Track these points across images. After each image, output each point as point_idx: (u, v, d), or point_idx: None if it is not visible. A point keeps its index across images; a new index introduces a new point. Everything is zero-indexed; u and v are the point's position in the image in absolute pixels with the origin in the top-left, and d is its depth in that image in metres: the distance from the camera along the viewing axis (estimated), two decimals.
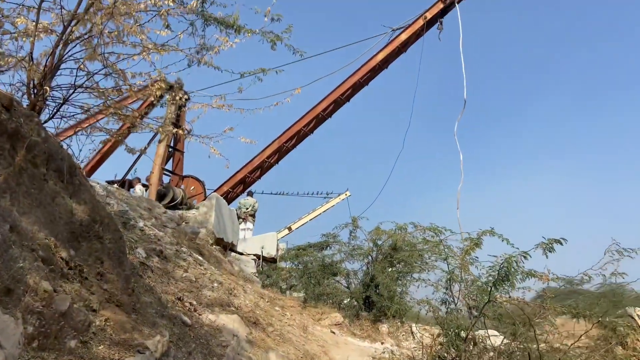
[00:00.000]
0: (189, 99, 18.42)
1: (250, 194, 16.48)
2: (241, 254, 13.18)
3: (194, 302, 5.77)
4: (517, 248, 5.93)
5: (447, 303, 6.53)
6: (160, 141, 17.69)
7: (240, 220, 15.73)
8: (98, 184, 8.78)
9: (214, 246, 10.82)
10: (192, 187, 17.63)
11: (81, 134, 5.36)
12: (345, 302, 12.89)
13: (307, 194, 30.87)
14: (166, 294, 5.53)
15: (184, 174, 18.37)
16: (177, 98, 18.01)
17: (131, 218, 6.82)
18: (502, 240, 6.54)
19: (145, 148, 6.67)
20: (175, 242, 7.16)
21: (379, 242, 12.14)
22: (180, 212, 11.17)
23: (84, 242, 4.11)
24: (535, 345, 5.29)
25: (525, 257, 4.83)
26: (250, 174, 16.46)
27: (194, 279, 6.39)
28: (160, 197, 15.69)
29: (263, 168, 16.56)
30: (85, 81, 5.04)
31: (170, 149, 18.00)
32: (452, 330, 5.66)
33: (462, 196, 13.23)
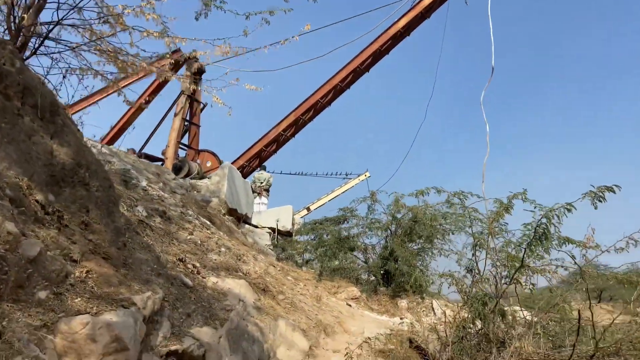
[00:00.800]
0: (204, 70, 18.03)
1: (264, 168, 16.04)
2: (256, 226, 12.79)
3: (197, 265, 5.34)
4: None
5: (473, 272, 5.97)
6: (175, 114, 17.37)
7: (255, 194, 15.34)
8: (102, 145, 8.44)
9: (227, 216, 10.42)
10: (208, 162, 17.28)
11: (70, 74, 4.90)
12: (362, 277, 12.47)
13: (326, 174, 30.50)
14: (167, 254, 5.11)
15: (200, 148, 18.01)
16: (192, 70, 17.70)
17: (133, 177, 6.41)
18: (535, 207, 5.94)
19: (147, 101, 6.17)
20: (182, 205, 6.75)
21: (398, 216, 11.60)
22: (192, 181, 10.79)
23: (67, 187, 3.68)
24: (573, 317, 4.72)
25: (568, 209, 4.23)
26: (266, 148, 16.00)
27: (199, 242, 5.97)
28: (176, 170, 15.38)
29: (279, 141, 16.08)
30: (70, 12, 4.56)
31: (186, 123, 17.63)
32: (478, 300, 5.13)
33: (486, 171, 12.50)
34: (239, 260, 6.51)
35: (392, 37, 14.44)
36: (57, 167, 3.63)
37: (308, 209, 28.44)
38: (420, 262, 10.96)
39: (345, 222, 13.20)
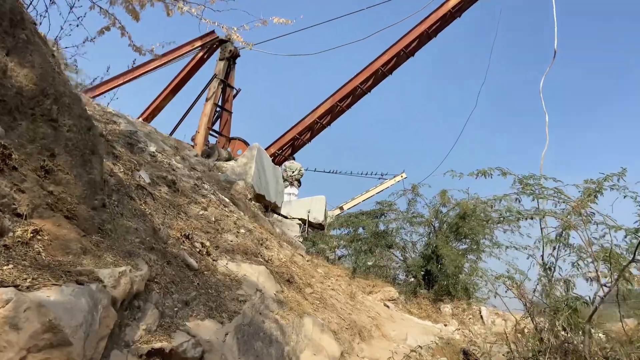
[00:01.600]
0: (239, 55, 17.21)
1: (294, 159, 15.02)
2: (285, 217, 11.79)
3: (208, 244, 4.34)
4: None
5: (551, 271, 4.74)
6: (207, 99, 16.60)
7: (287, 183, 14.35)
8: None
9: (253, 202, 9.45)
10: (239, 150, 16.42)
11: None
12: (400, 277, 11.29)
13: (361, 174, 29.38)
14: (169, 228, 4.13)
15: (231, 135, 17.18)
16: (228, 52, 16.91)
17: (140, 141, 5.49)
18: (625, 197, 4.69)
19: (155, 52, 5.23)
20: (196, 177, 5.80)
21: (443, 210, 10.38)
22: (216, 162, 9.89)
23: (24, 120, 2.72)
24: None
25: None
26: (300, 136, 15.00)
27: (213, 220, 4.98)
28: (205, 157, 14.61)
29: (314, 130, 15.05)
30: None
31: (217, 109, 16.82)
32: (565, 305, 3.93)
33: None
34: (261, 245, 5.49)
35: (441, 18, 13.19)
36: (11, 92, 2.68)
37: (341, 208, 27.39)
38: (467, 264, 9.71)
39: (383, 216, 12.05)
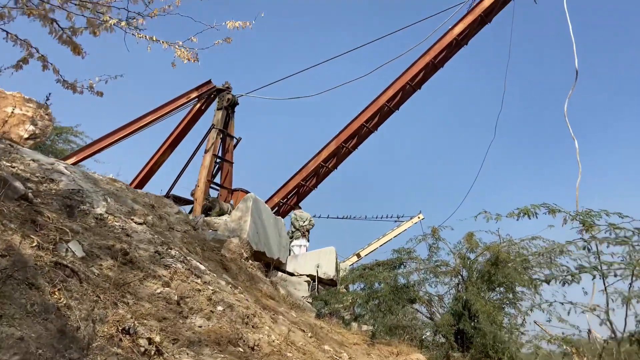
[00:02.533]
0: (237, 103, 16.44)
1: (300, 208, 13.80)
2: (291, 274, 10.48)
3: (158, 339, 3.09)
4: None
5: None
6: (206, 151, 15.70)
7: (298, 234, 13.07)
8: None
9: (250, 261, 8.21)
10: None
11: None
12: (427, 337, 9.77)
13: (377, 217, 28.18)
14: (101, 322, 2.91)
15: (233, 187, 16.14)
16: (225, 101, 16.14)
17: (87, 201, 4.36)
18: None
19: (95, 88, 4.15)
20: (161, 243, 4.61)
21: (471, 256, 9.01)
22: (207, 218, 8.75)
23: None
24: None
25: None
26: (305, 182, 13.89)
27: (176, 299, 3.76)
28: (206, 212, 13.48)
29: (319, 174, 13.94)
30: None
31: (217, 160, 15.86)
32: None
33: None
34: (246, 324, 4.21)
35: (446, 47, 12.29)
36: None
37: (358, 255, 26.05)
38: (507, 319, 8.25)
39: (402, 266, 10.67)
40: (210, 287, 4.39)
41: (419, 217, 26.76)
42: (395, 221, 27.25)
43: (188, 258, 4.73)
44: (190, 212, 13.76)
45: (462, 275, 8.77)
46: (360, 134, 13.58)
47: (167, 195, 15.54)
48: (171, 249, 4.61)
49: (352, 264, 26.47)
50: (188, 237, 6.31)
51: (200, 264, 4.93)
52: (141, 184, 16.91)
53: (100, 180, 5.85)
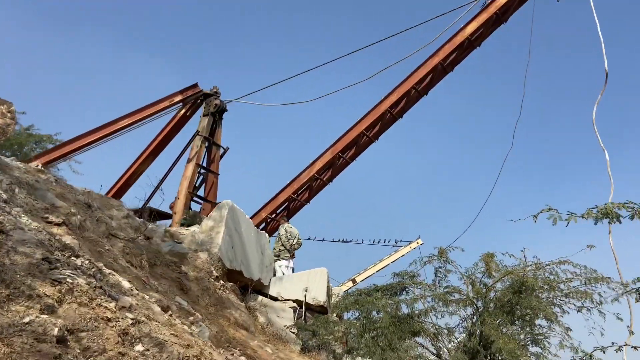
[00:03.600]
0: (225, 109, 15.13)
1: (287, 221, 12.23)
2: (275, 298, 8.98)
3: None
4: None
5: None
6: (189, 160, 14.30)
7: (286, 254, 11.55)
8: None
9: (222, 282, 6.74)
10: None
11: None
12: None
13: (374, 241, 26.88)
14: None
15: (218, 201, 14.66)
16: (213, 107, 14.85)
17: None
18: None
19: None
20: (62, 248, 3.17)
21: (487, 280, 7.54)
22: (173, 228, 7.32)
23: None
24: None
25: None
26: (296, 195, 12.48)
27: (58, 333, 2.33)
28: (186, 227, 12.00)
29: (313, 188, 12.55)
30: None
31: (201, 171, 14.43)
32: None
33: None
34: None
35: (457, 47, 11.08)
36: None
37: (354, 280, 24.58)
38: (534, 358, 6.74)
39: (404, 292, 9.19)
40: (131, 315, 2.94)
41: (417, 242, 25.49)
42: (393, 246, 25.89)
43: (105, 271, 3.29)
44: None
45: (476, 305, 7.29)
46: (359, 144, 12.24)
47: (144, 209, 14.10)
48: (78, 256, 3.17)
49: (347, 290, 25.01)
50: (133, 247, 4.86)
51: (130, 281, 3.48)
52: (118, 194, 15.45)
53: (16, 167, 4.45)
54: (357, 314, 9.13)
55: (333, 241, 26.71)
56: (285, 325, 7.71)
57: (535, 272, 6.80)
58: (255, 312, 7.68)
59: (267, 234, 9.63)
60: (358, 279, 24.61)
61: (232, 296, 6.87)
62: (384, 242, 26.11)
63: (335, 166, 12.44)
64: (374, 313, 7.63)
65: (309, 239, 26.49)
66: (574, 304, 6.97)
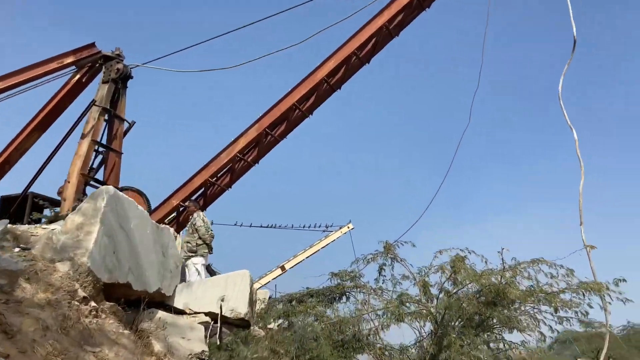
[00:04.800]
0: (130, 75, 12.61)
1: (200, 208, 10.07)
2: (182, 312, 7.00)
3: None
4: None
5: None
6: (83, 136, 11.71)
7: (204, 249, 9.52)
8: None
9: (94, 304, 4.66)
10: None
11: None
12: None
13: (304, 227, 25.61)
14: None
15: (121, 185, 12.22)
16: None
17: None
18: None
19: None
20: None
21: (450, 289, 6.05)
22: (13, 226, 5.09)
23: None
24: None
25: None
26: (214, 179, 10.44)
27: None
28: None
29: (235, 170, 10.54)
30: None
31: (99, 149, 11.89)
32: None
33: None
34: None
35: (405, 7, 9.33)
36: None
37: (282, 267, 23.22)
38: None
39: (344, 297, 7.58)
40: None
41: (348, 227, 24.71)
42: (324, 231, 24.89)
43: None
44: (57, 216, 9.77)
45: (437, 321, 5.75)
46: (290, 119, 10.36)
47: (25, 193, 11.41)
48: None
49: (276, 277, 23.38)
50: None
51: None
52: None
53: None
54: (284, 327, 7.39)
55: (261, 227, 24.98)
56: (191, 354, 5.76)
57: (513, 277, 5.36)
58: (148, 338, 5.68)
59: (171, 229, 7.55)
60: (287, 266, 23.25)
61: (110, 322, 4.84)
62: (315, 227, 24.88)
63: (261, 145, 10.50)
64: (308, 335, 5.86)
65: (235, 224, 24.57)
66: (554, 315, 5.66)
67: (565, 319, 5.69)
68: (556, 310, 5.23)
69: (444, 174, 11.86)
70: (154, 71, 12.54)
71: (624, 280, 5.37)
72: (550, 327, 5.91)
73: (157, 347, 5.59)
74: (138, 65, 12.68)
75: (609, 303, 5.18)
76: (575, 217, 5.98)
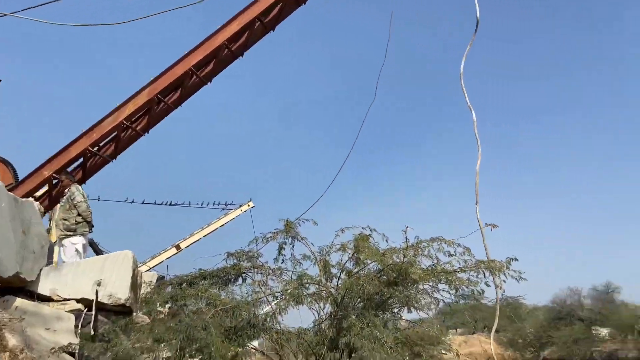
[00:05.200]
0: None
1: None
2: (49, 299, 6.02)
3: None
4: None
5: None
6: None
7: (84, 227, 8.41)
8: None
9: None
10: None
11: None
12: None
13: (202, 204, 24.59)
14: None
15: None
16: None
17: None
18: None
19: None
20: None
21: (351, 269, 5.79)
22: None
23: None
24: None
25: None
26: (97, 148, 9.21)
27: None
28: None
29: (121, 139, 9.38)
30: None
31: None
32: None
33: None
34: None
35: None
36: None
37: (178, 246, 22.20)
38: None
39: (240, 279, 7.05)
40: None
41: (248, 205, 24.29)
42: (223, 209, 24.15)
43: None
44: None
45: (337, 303, 5.46)
46: (186, 85, 9.43)
47: None
48: None
49: (170, 257, 22.14)
50: None
51: None
52: None
53: None
54: (171, 313, 6.69)
55: (155, 204, 23.44)
56: (52, 350, 4.90)
57: (415, 256, 5.20)
58: (1, 331, 4.72)
59: (36, 203, 6.44)
60: (183, 245, 22.23)
61: None
62: (214, 205, 23.90)
63: (153, 112, 9.46)
64: (194, 321, 5.24)
65: (125, 201, 22.71)
66: (450, 292, 5.65)
67: (461, 296, 5.71)
68: (456, 290, 5.18)
69: (347, 153, 11.67)
70: (28, 23, 10.76)
71: (516, 259, 5.46)
72: (444, 301, 5.93)
73: (12, 341, 4.68)
74: (5, 15, 10.82)
75: (504, 281, 5.22)
76: (475, 196, 5.98)
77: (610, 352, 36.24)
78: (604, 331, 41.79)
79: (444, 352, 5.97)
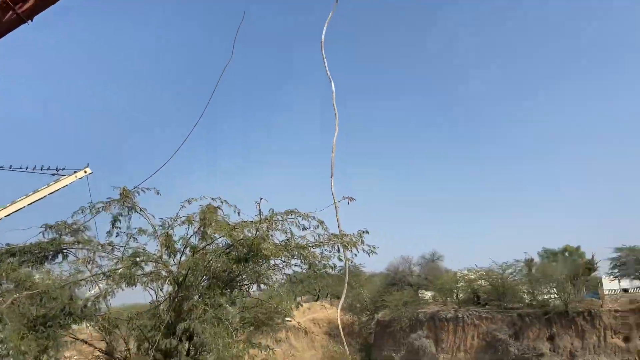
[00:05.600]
0: None
1: None
2: None
3: None
4: None
5: None
6: None
7: None
8: None
9: None
10: None
11: None
12: None
13: (27, 169, 21.22)
14: None
15: None
16: None
17: None
18: None
19: None
20: None
21: (197, 244, 5.16)
22: None
23: None
24: None
25: None
26: None
27: None
28: None
29: None
30: None
31: None
32: None
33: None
34: None
35: None
36: None
37: None
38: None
39: (60, 255, 5.94)
40: None
41: (85, 172, 21.49)
42: (54, 174, 21.10)
43: None
44: None
45: (177, 283, 4.81)
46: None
47: None
48: None
49: None
50: None
51: None
52: None
53: None
54: None
55: None
56: None
57: (269, 229, 4.80)
58: None
59: None
60: (3, 214, 19.07)
61: None
62: (42, 169, 20.84)
63: None
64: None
65: None
66: (303, 268, 5.42)
67: (314, 271, 5.52)
68: (310, 266, 4.94)
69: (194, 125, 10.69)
70: None
71: (367, 232, 5.43)
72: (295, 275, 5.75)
73: None
74: None
75: (355, 255, 5.14)
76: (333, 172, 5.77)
77: (433, 313, 41.31)
78: (428, 294, 47.44)
79: (288, 319, 5.78)
